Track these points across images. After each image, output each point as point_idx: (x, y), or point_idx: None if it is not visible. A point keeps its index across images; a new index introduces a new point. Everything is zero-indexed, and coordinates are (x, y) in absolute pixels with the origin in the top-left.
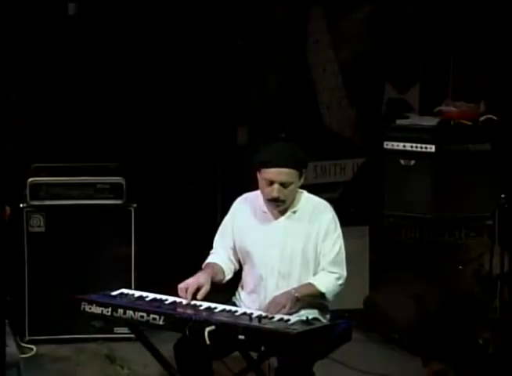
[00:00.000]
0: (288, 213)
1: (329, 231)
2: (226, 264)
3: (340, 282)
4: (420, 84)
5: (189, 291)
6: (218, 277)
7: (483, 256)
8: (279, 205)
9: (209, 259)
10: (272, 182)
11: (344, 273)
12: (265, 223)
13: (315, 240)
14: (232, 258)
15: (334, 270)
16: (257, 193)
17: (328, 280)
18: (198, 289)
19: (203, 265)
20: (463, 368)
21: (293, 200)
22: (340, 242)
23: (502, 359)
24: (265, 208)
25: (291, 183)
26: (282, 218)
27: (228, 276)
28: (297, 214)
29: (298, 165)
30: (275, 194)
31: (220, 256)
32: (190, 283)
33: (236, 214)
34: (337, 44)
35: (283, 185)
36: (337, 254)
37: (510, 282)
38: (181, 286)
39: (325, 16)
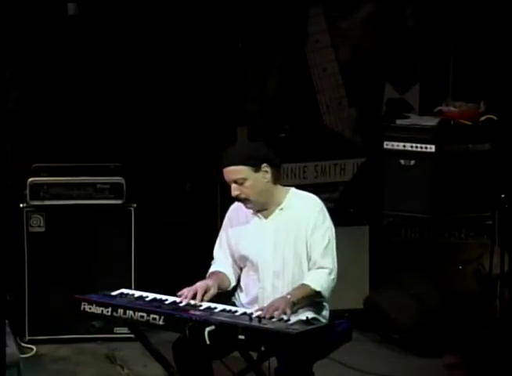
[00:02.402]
0: (276, 211)
1: (318, 224)
2: (230, 272)
3: (332, 276)
4: (420, 84)
5: (198, 295)
6: (224, 285)
7: (483, 256)
8: (246, 203)
9: (212, 268)
10: (229, 182)
11: (335, 266)
12: (256, 225)
13: (305, 234)
14: (234, 265)
15: (324, 264)
16: None
17: (320, 277)
18: (205, 292)
19: (208, 275)
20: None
21: (277, 197)
22: (329, 234)
23: (502, 358)
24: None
25: (245, 180)
26: (270, 218)
27: (233, 283)
28: (284, 211)
29: (248, 161)
30: (233, 193)
31: (223, 264)
32: (199, 286)
33: (229, 221)
34: (337, 44)
35: (236, 182)
36: (327, 245)
37: (510, 282)
38: (188, 289)
39: (325, 16)
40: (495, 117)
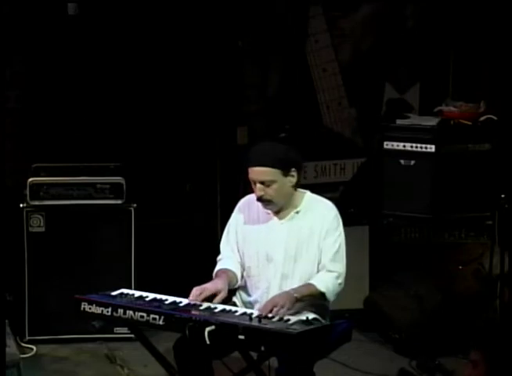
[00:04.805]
0: (291, 213)
1: (331, 229)
2: (237, 268)
3: (340, 281)
4: (419, 84)
5: (202, 296)
6: (232, 283)
7: (483, 256)
8: (267, 205)
9: (220, 266)
10: (255, 182)
11: (343, 271)
12: (269, 224)
13: (318, 239)
14: (241, 261)
15: (333, 268)
16: None
17: (327, 280)
18: (214, 295)
19: (215, 272)
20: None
21: (294, 200)
22: (341, 240)
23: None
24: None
25: (273, 182)
26: (285, 219)
27: (240, 281)
28: (300, 214)
29: (279, 164)
30: (257, 193)
31: (230, 261)
32: (208, 287)
33: (239, 216)
34: (337, 44)
35: (264, 183)
36: (337, 251)
37: (510, 282)
38: (196, 288)
39: (325, 16)
40: (495, 117)
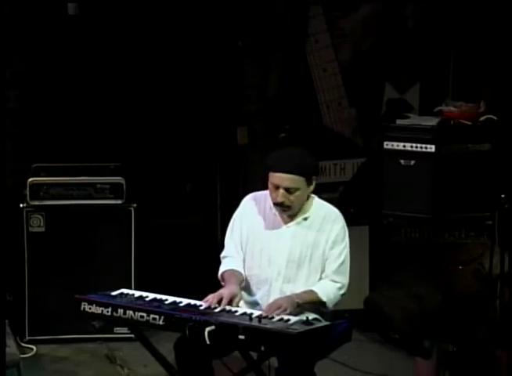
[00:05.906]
0: (299, 219)
1: (338, 240)
2: (242, 268)
3: (342, 292)
4: (420, 84)
5: (223, 302)
6: (241, 284)
7: (483, 256)
8: (285, 210)
9: (226, 265)
10: (277, 187)
11: (346, 282)
12: (275, 226)
13: (324, 248)
14: (245, 260)
15: (337, 279)
16: (268, 192)
17: (330, 289)
18: (231, 299)
19: (221, 273)
20: None
21: (304, 205)
22: (346, 252)
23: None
24: (275, 211)
25: (297, 189)
26: (292, 224)
27: (245, 281)
28: (308, 221)
29: (305, 172)
30: (279, 199)
31: (236, 260)
32: (226, 293)
33: (244, 213)
34: (337, 44)
35: (288, 190)
36: (342, 263)
37: (510, 282)
38: (213, 296)
39: (325, 16)
40: (495, 117)
